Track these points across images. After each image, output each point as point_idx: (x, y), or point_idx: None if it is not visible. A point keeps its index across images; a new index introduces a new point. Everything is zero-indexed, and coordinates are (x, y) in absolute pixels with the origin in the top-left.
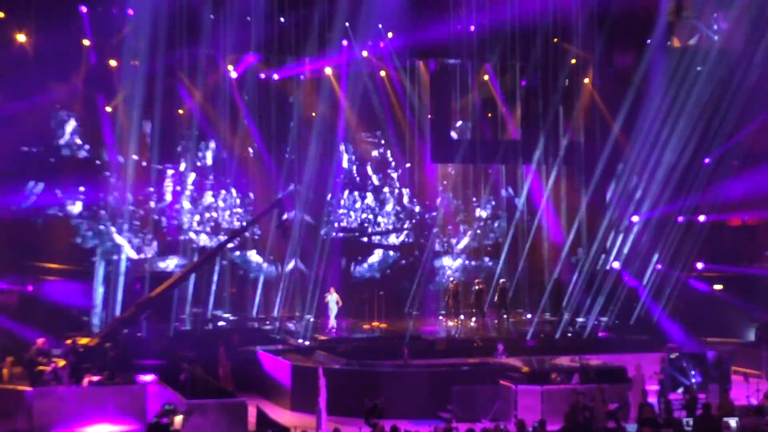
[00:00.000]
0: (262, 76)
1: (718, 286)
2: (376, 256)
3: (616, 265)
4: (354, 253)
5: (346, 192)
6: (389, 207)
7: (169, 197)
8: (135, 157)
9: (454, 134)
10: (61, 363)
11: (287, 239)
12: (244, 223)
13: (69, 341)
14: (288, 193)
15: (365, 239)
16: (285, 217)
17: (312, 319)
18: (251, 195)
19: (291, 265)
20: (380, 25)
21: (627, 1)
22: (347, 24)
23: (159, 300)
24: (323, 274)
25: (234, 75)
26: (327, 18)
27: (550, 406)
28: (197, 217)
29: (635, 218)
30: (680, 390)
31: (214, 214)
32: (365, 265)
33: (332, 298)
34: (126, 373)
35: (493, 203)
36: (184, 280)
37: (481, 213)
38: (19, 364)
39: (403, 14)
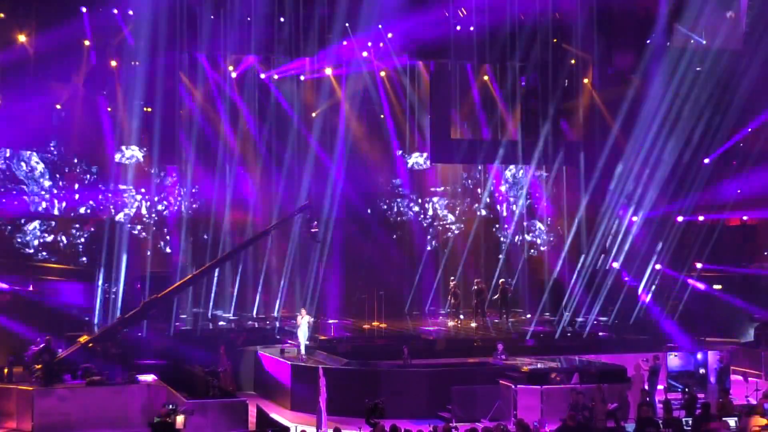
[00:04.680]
0: (262, 76)
1: (717, 286)
2: None
3: (615, 265)
4: None
5: None
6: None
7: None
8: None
9: (453, 134)
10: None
11: (317, 244)
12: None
13: (48, 338)
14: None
15: None
16: (315, 224)
17: (312, 319)
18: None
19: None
20: (380, 26)
21: (627, 1)
22: (347, 25)
23: (163, 300)
24: (324, 275)
25: (234, 75)
26: (327, 18)
27: (549, 406)
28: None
29: (635, 218)
30: (660, 387)
31: None
32: None
33: (304, 321)
34: (126, 373)
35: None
36: (200, 279)
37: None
38: (20, 364)
39: (403, 15)
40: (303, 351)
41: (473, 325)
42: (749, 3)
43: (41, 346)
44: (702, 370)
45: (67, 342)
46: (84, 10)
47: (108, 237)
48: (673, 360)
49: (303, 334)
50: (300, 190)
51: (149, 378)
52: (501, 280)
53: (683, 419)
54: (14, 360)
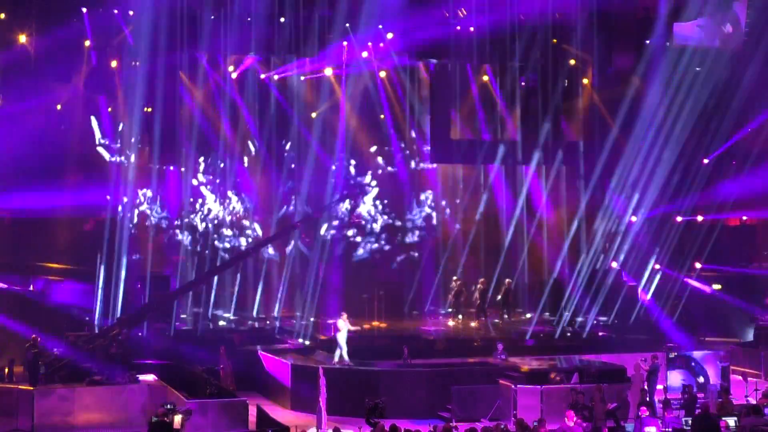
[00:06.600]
0: (263, 76)
1: (717, 286)
2: None
3: (614, 264)
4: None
5: None
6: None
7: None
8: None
9: (453, 134)
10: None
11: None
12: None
13: (34, 336)
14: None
15: None
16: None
17: (312, 319)
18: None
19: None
20: (380, 26)
21: (627, 1)
22: (347, 25)
23: (168, 299)
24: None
25: (234, 76)
26: (327, 18)
27: (549, 406)
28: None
29: (634, 218)
30: (660, 387)
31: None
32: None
33: (345, 326)
34: (126, 373)
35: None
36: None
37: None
38: (20, 364)
39: (403, 15)
40: (345, 356)
41: (473, 324)
42: (749, 3)
43: (28, 344)
44: (701, 378)
45: (68, 342)
46: (84, 10)
47: (108, 237)
48: (676, 380)
49: (343, 339)
50: (300, 189)
51: (149, 378)
52: (507, 280)
53: (683, 419)
54: (14, 360)
